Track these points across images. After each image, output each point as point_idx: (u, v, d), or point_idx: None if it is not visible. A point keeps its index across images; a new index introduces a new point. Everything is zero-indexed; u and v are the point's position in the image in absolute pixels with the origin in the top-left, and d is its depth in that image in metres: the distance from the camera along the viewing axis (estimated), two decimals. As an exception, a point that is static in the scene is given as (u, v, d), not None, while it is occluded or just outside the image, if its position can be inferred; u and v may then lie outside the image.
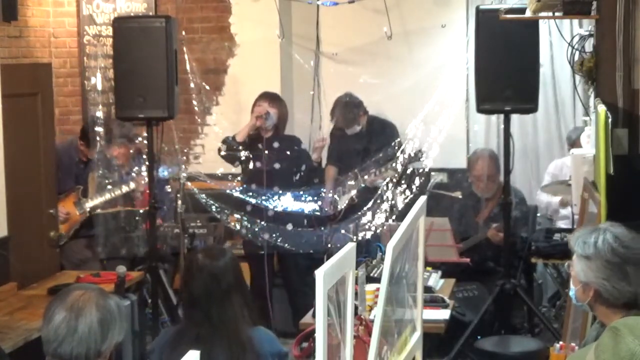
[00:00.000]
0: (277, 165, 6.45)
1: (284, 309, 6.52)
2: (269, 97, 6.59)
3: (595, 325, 3.00)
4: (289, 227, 6.38)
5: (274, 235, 6.33)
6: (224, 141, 6.55)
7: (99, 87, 7.49)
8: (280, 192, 6.39)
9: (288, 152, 6.55)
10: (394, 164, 6.68)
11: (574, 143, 6.79)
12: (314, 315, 4.41)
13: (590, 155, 4.80)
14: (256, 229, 6.34)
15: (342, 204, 6.65)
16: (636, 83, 4.34)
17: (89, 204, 6.38)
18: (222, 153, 6.55)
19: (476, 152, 6.83)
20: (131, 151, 6.69)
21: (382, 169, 6.67)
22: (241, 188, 6.47)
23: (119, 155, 6.60)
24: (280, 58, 7.46)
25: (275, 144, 6.51)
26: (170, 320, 6.01)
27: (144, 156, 6.31)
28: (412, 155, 6.64)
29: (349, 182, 6.71)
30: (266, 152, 6.44)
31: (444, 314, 4.92)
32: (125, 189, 6.40)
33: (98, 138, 6.85)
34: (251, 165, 6.46)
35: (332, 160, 7.01)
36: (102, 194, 6.39)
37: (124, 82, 5.91)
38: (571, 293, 2.94)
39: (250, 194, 6.38)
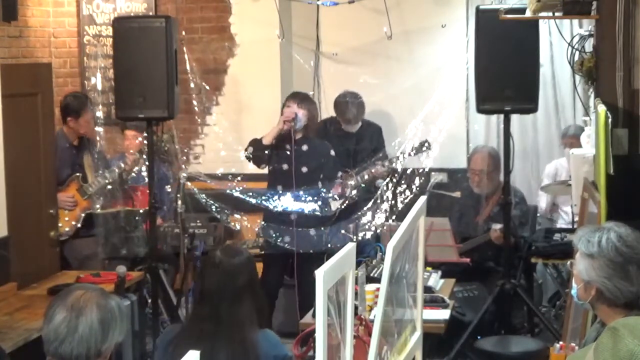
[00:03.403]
0: (304, 169, 6.32)
1: (290, 309, 6.51)
2: (298, 97, 6.42)
3: (596, 326, 3.00)
4: (312, 232, 6.29)
5: (274, 235, 6.31)
6: (251, 143, 6.37)
7: (99, 87, 7.49)
8: (281, 192, 6.35)
9: (317, 157, 6.39)
10: (393, 164, 6.68)
11: (570, 137, 6.79)
12: (314, 315, 4.41)
13: (590, 155, 4.81)
14: (274, 233, 6.31)
15: (336, 206, 6.64)
16: (636, 83, 4.34)
17: (92, 189, 6.37)
18: (248, 155, 6.36)
19: (477, 147, 6.86)
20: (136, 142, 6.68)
21: (378, 167, 6.67)
22: (241, 188, 6.45)
23: (130, 145, 6.60)
24: (280, 58, 7.46)
25: (305, 147, 6.34)
26: (170, 320, 6.00)
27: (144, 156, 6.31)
28: (418, 146, 6.64)
29: (350, 182, 6.71)
30: (292, 152, 6.32)
31: (444, 314, 4.91)
32: (120, 167, 6.41)
33: (98, 138, 6.85)
34: (277, 166, 6.36)
35: None
36: (103, 177, 6.39)
37: (124, 82, 5.91)
38: (573, 291, 2.95)
39: (267, 195, 6.27)
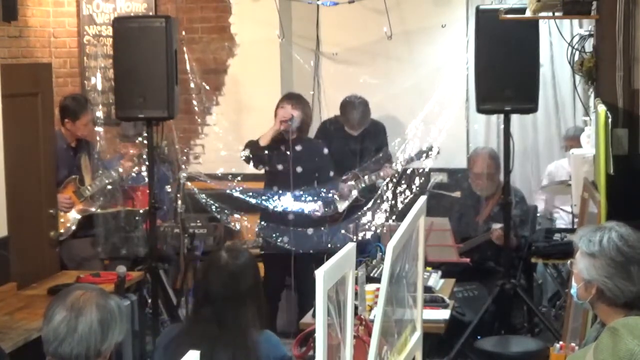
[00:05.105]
0: (299, 169, 6.34)
1: (291, 309, 6.52)
2: (292, 98, 6.45)
3: (596, 326, 3.00)
4: (309, 231, 6.30)
5: (274, 235, 6.31)
6: (248, 145, 6.40)
7: (99, 87, 7.50)
8: (280, 192, 6.34)
9: (311, 156, 6.42)
10: (394, 164, 6.69)
11: (570, 139, 6.79)
12: (314, 315, 4.41)
13: (590, 155, 4.81)
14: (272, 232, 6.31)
15: (343, 206, 6.64)
16: (636, 83, 4.34)
17: (89, 192, 6.36)
18: (245, 156, 6.37)
19: (476, 150, 6.85)
20: (131, 151, 6.69)
21: (387, 171, 6.66)
22: (241, 188, 6.45)
23: (133, 155, 6.61)
24: (280, 58, 7.46)
25: (298, 147, 6.36)
26: (170, 320, 6.01)
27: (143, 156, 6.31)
28: (423, 150, 6.64)
29: (350, 183, 6.71)
30: (287, 152, 6.34)
31: (444, 314, 4.91)
32: (118, 171, 6.41)
33: (98, 138, 6.85)
34: (273, 166, 6.35)
35: None
36: (100, 180, 6.38)
37: (124, 82, 5.91)
38: (573, 291, 2.95)
39: (266, 196, 6.30)
